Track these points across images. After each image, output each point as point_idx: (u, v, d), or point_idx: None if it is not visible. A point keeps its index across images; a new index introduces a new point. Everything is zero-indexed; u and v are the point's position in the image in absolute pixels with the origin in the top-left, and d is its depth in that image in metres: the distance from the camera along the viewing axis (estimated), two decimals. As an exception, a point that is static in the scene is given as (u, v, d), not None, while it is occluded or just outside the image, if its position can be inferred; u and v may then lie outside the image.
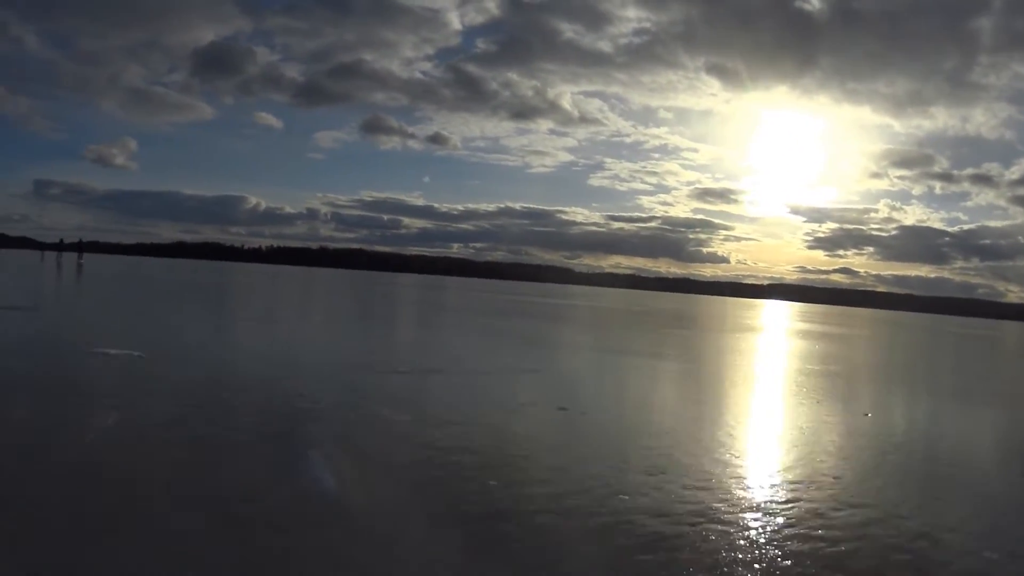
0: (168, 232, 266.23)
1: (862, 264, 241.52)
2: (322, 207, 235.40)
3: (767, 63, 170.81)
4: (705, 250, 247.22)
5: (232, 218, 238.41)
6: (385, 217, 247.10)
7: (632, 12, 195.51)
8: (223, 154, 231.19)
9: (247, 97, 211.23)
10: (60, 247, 52.24)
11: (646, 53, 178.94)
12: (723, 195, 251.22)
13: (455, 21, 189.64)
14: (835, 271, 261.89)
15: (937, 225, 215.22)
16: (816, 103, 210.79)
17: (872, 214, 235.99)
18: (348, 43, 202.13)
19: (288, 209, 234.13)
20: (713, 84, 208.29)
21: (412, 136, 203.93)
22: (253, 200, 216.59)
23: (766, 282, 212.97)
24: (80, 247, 48.98)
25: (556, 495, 3.93)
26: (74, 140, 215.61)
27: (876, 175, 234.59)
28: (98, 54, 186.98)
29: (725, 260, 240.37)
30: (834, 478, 4.79)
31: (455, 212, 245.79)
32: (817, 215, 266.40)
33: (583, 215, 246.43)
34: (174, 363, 8.08)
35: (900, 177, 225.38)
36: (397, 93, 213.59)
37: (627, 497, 3.99)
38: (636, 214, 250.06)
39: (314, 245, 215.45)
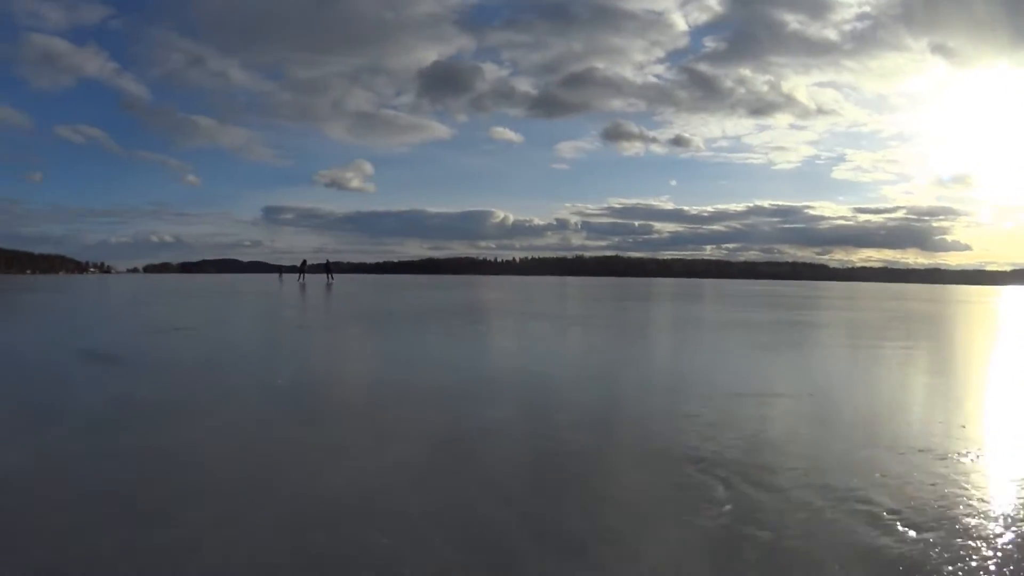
0: (415, 249, 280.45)
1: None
2: (571, 216, 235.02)
3: (988, 38, 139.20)
4: (949, 238, 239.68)
5: (480, 232, 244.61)
6: (636, 223, 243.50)
7: None
8: (464, 171, 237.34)
9: (481, 113, 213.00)
10: (302, 268, 48.82)
11: (871, 38, 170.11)
12: (961, 179, 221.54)
13: (680, 22, 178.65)
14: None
15: None
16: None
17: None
18: (576, 53, 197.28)
19: (537, 221, 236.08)
20: (939, 64, 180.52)
21: (654, 140, 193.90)
22: (500, 214, 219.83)
23: (1008, 268, 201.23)
24: (328, 267, 46.78)
25: None
26: (302, 166, 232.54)
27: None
28: (315, 82, 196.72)
29: (968, 248, 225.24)
30: None
31: (705, 214, 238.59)
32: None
33: (831, 209, 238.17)
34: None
35: None
36: (633, 98, 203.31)
37: None
38: (881, 205, 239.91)
39: (569, 255, 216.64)
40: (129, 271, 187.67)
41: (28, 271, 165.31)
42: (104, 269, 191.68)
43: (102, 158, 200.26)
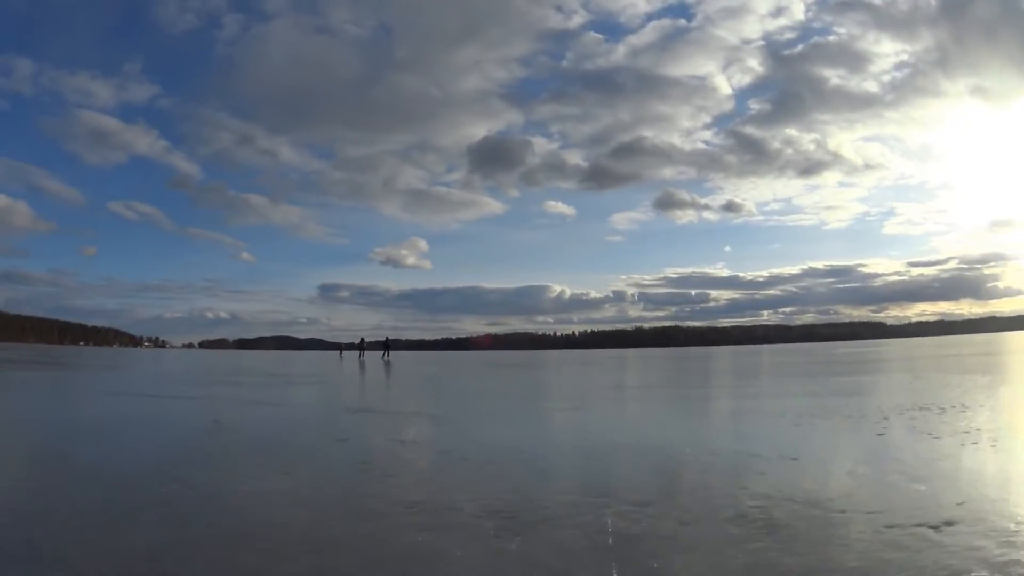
0: (473, 325, 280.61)
1: None
2: (628, 288, 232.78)
3: (1019, 74, 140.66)
4: (1001, 285, 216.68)
5: (537, 307, 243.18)
6: (692, 292, 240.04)
7: (888, 47, 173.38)
8: (519, 245, 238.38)
9: (533, 187, 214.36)
10: (361, 346, 48.75)
11: (910, 86, 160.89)
12: (1008, 222, 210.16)
13: (724, 85, 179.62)
14: None
15: None
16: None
17: None
18: (624, 122, 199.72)
19: (594, 294, 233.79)
20: (978, 106, 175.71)
21: (706, 207, 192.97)
22: (557, 288, 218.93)
23: None
24: (387, 344, 46.33)
25: None
26: (357, 244, 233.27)
27: None
28: (366, 160, 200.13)
29: (1020, 292, 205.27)
30: None
31: (760, 279, 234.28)
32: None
33: (884, 265, 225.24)
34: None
35: None
36: (683, 165, 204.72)
37: None
38: (933, 257, 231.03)
39: (627, 326, 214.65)
40: (184, 346, 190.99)
41: (81, 343, 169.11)
42: (159, 343, 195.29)
43: (155, 234, 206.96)
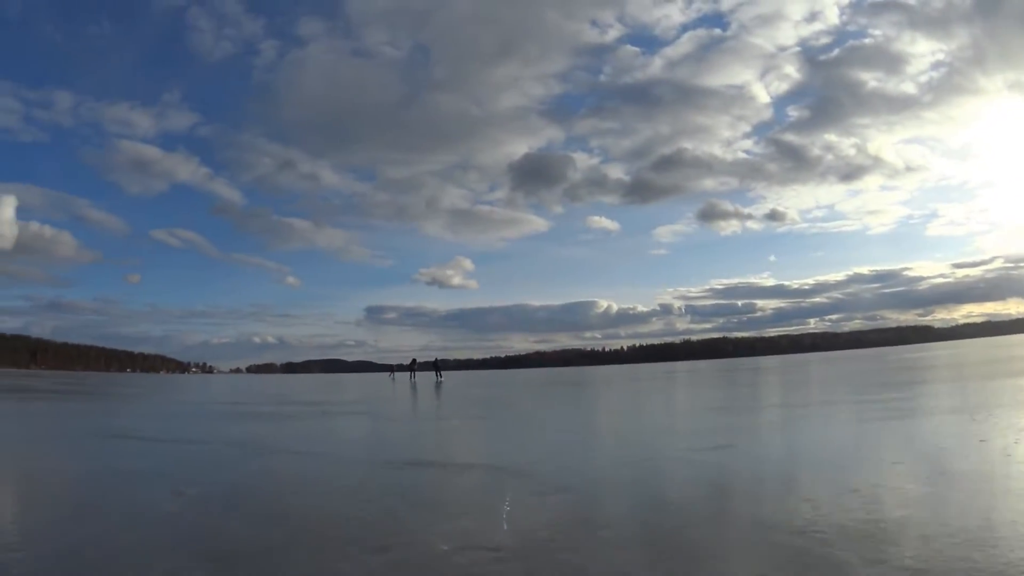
0: (521, 344, 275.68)
1: None
2: (674, 301, 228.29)
3: None
4: None
5: (585, 323, 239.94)
6: (739, 303, 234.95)
7: (924, 46, 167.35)
8: (564, 262, 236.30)
9: (576, 203, 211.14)
10: (412, 367, 47.74)
11: (948, 86, 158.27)
12: None
13: (762, 93, 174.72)
14: None
15: None
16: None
17: None
18: (664, 135, 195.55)
19: (640, 308, 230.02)
20: (1017, 101, 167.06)
21: (749, 217, 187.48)
22: (604, 303, 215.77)
23: None
24: (437, 364, 47.39)
25: None
26: (401, 265, 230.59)
27: None
28: (408, 181, 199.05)
29: None
30: None
31: (806, 287, 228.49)
32: None
33: (929, 268, 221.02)
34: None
35: None
36: (725, 176, 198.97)
37: None
38: (978, 257, 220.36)
39: (675, 339, 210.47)
40: (232, 371, 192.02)
41: (128, 369, 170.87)
42: (207, 369, 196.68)
43: (199, 261, 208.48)
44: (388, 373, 60.64)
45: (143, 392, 33.42)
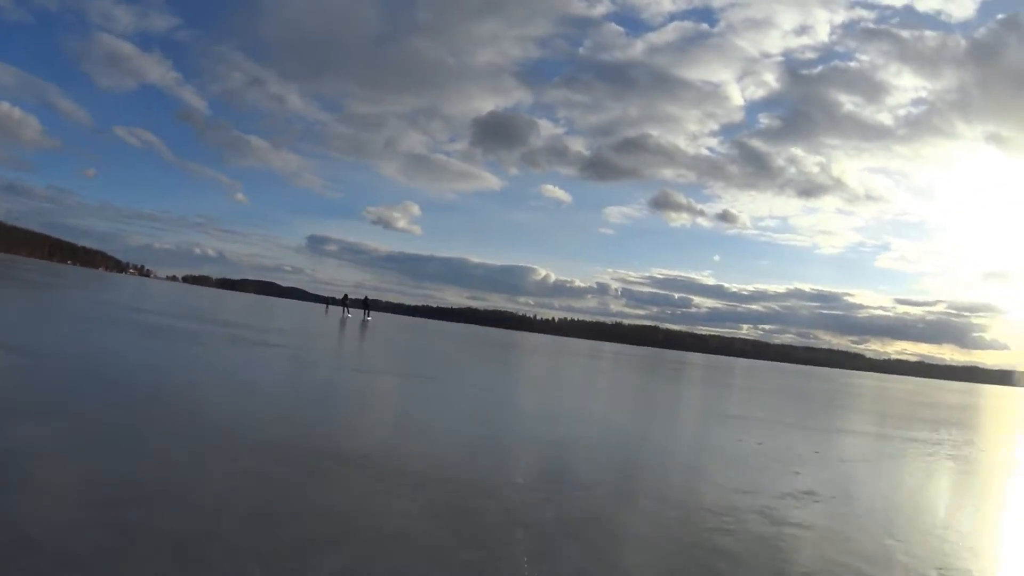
0: (455, 297, 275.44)
1: None
2: (612, 282, 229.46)
3: None
4: (987, 336, 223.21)
5: (521, 288, 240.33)
6: (676, 295, 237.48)
7: (908, 80, 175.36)
8: (511, 224, 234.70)
9: (532, 169, 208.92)
10: (344, 302, 47.38)
11: (925, 124, 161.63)
12: (1004, 275, 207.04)
13: (737, 95, 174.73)
14: None
15: None
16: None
17: None
18: (632, 118, 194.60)
19: (578, 283, 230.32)
20: (992, 153, 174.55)
21: (701, 213, 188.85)
22: (542, 271, 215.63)
23: None
24: (366, 303, 45.53)
25: None
26: (350, 200, 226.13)
27: None
28: (372, 118, 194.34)
29: (1005, 347, 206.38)
30: None
31: (745, 292, 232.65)
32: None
33: (871, 298, 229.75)
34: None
35: None
36: (684, 169, 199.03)
37: None
38: (922, 297, 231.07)
39: (607, 320, 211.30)
40: (168, 278, 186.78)
41: (69, 261, 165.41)
42: (144, 272, 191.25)
43: (155, 164, 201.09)
44: (324, 305, 61.27)
45: (65, 286, 31.27)
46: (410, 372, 13.80)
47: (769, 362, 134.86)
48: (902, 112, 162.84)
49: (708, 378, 29.19)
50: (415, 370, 14.57)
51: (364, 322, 39.54)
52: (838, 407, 20.04)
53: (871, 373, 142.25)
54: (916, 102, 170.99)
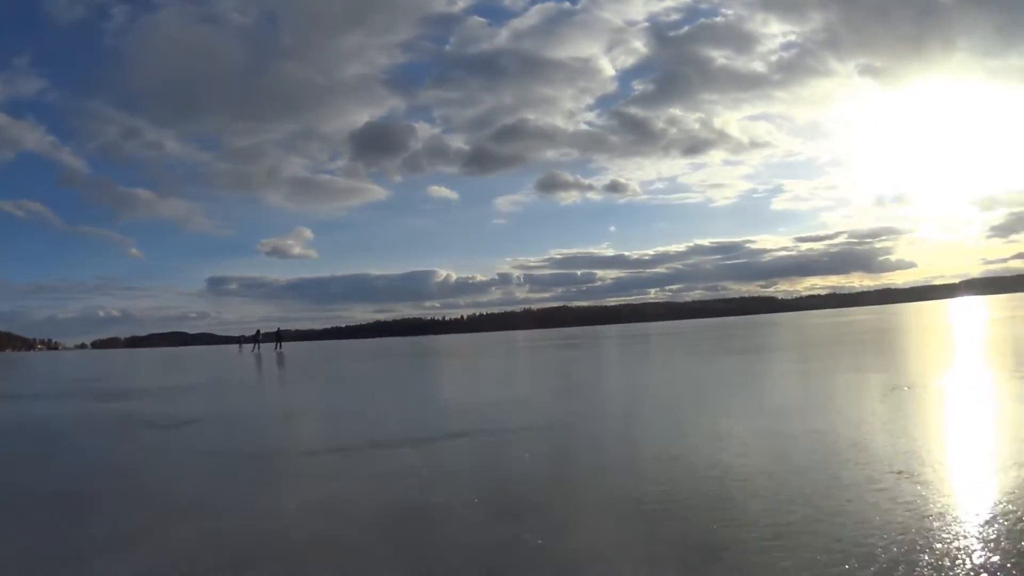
0: (361, 314, 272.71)
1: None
2: (513, 271, 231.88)
3: (914, 54, 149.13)
4: (893, 258, 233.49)
5: (424, 292, 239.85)
6: (578, 272, 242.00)
7: (775, 27, 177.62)
8: (404, 232, 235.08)
9: (416, 173, 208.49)
10: (256, 339, 48.23)
11: (799, 66, 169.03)
12: (900, 198, 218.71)
13: (607, 67, 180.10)
14: (1013, 257, 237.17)
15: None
16: (964, 87, 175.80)
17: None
18: (507, 105, 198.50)
19: (479, 277, 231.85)
20: (869, 85, 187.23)
21: (590, 188, 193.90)
22: (443, 272, 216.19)
23: (956, 280, 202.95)
24: (279, 336, 46.45)
25: None
26: (243, 235, 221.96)
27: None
28: (250, 150, 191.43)
29: (912, 265, 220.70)
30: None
31: (646, 257, 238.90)
32: (990, 203, 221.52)
33: (772, 241, 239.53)
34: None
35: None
36: (566, 147, 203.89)
37: None
38: (822, 232, 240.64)
39: (515, 308, 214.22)
40: (77, 347, 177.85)
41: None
42: (51, 346, 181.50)
43: (45, 233, 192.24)
44: (237, 345, 60.78)
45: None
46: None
47: (686, 320, 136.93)
48: (774, 58, 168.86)
49: (673, 347, 28.24)
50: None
51: (279, 354, 39.57)
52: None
53: (786, 313, 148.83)
54: (786, 46, 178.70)
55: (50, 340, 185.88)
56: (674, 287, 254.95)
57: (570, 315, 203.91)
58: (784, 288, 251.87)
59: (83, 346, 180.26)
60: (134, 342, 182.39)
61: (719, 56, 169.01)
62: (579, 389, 13.16)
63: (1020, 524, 3.60)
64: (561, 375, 17.02)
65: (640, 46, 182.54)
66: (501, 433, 7.61)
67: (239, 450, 7.48)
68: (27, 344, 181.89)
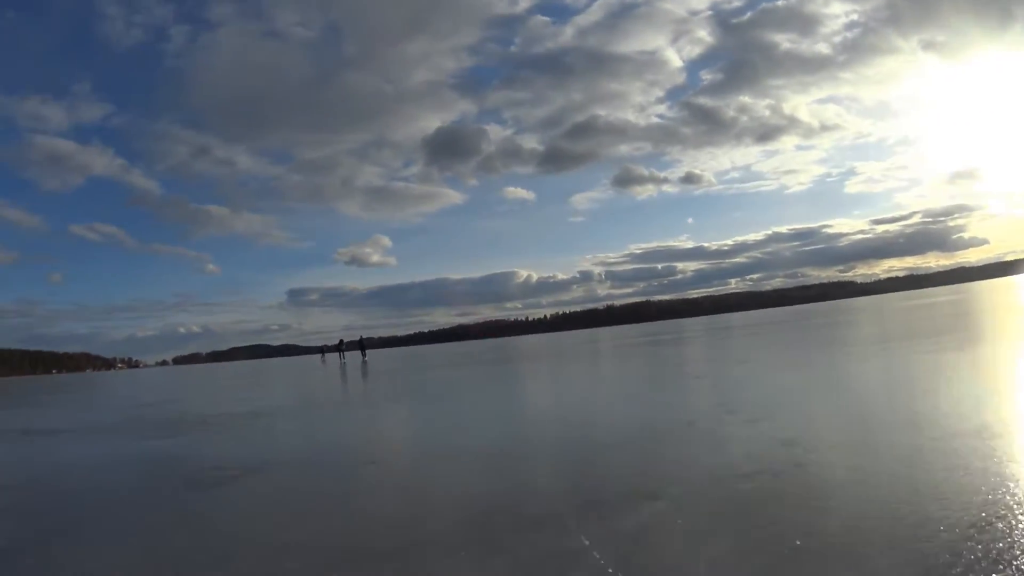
0: (443, 318, 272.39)
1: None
2: (594, 268, 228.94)
3: (975, 26, 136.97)
4: (966, 235, 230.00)
5: (506, 294, 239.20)
6: (659, 266, 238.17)
7: (837, 7, 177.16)
8: (481, 234, 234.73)
9: (491, 175, 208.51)
10: (340, 347, 45.94)
11: (863, 45, 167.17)
12: (970, 174, 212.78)
13: (674, 58, 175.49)
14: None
15: None
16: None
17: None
18: (577, 103, 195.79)
19: (560, 276, 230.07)
20: (932, 61, 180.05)
21: (665, 180, 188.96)
22: (523, 273, 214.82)
23: None
24: (362, 345, 44.41)
25: None
26: (320, 246, 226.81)
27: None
28: (323, 161, 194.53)
29: (985, 242, 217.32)
30: None
31: (725, 248, 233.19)
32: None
33: (848, 225, 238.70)
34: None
35: None
36: (639, 141, 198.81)
37: None
38: (896, 213, 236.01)
39: (598, 305, 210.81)
40: (158, 364, 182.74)
41: (55, 370, 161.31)
42: (132, 364, 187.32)
43: (119, 254, 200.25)
44: (320, 355, 60.79)
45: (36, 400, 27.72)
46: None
47: (771, 309, 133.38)
48: (838, 39, 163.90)
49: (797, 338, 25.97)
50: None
51: (363, 363, 37.94)
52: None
53: (867, 297, 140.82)
54: (849, 26, 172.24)
55: (130, 358, 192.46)
56: (754, 276, 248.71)
57: (653, 309, 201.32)
58: (863, 272, 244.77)
59: (164, 363, 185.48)
60: (216, 356, 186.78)
61: (784, 40, 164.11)
62: (777, 400, 8.47)
63: None
64: (725, 381, 12.13)
65: (705, 35, 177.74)
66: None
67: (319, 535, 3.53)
68: (107, 363, 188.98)
